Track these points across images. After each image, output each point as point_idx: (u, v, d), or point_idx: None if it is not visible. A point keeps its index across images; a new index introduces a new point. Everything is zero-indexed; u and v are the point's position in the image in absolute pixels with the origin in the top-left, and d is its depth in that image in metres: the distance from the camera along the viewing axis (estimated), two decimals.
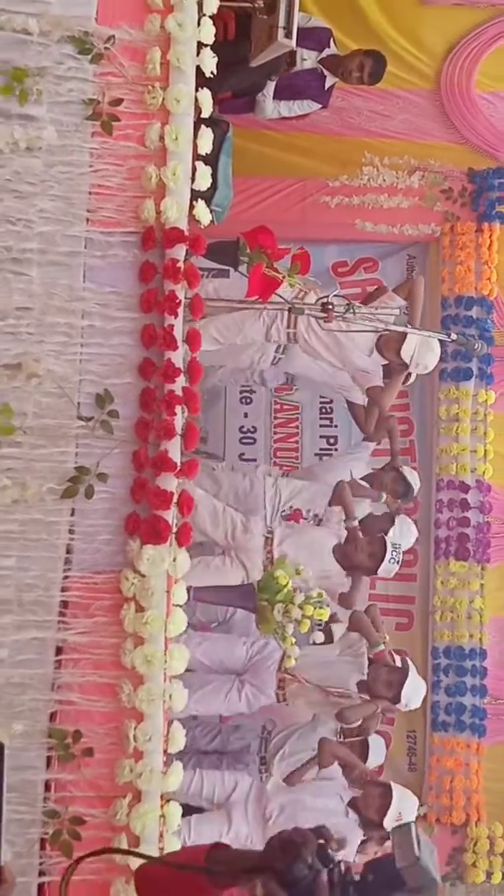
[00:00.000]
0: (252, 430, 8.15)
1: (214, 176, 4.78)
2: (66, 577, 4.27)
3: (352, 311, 5.24)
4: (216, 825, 5.75)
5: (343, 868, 2.41)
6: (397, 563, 6.43)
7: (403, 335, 6.32)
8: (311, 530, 6.46)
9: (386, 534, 6.43)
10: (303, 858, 2.35)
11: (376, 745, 6.64)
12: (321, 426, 8.15)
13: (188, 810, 5.33)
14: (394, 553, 6.33)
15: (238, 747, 6.48)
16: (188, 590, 4.43)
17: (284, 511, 6.63)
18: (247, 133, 7.28)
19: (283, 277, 5.00)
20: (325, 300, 5.21)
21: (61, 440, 4.25)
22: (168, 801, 4.19)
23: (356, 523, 6.40)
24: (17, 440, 4.19)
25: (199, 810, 5.85)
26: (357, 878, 2.42)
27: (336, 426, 8.15)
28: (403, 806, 6.10)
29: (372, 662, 6.37)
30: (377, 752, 6.69)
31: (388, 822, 5.97)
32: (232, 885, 2.45)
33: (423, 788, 7.68)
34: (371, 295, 6.86)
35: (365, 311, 5.48)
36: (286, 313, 6.34)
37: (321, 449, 8.24)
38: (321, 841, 2.41)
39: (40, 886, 4.11)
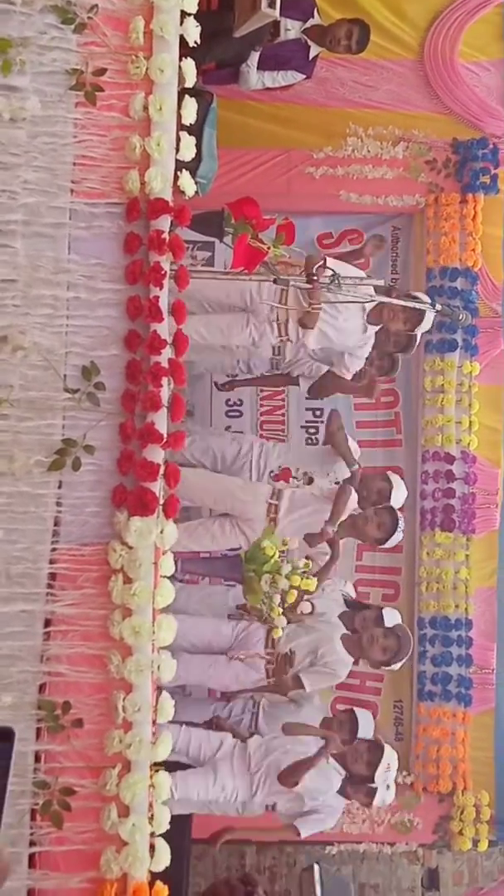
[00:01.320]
0: (238, 402, 8.14)
1: (199, 147, 4.75)
2: (53, 550, 4.26)
3: (336, 282, 5.24)
4: (202, 779, 5.80)
5: None
6: (402, 530, 6.50)
7: (385, 305, 6.37)
8: (315, 500, 6.48)
9: (386, 495, 6.48)
10: None
11: (364, 718, 6.68)
12: (307, 399, 8.11)
13: (172, 767, 5.36)
14: (401, 523, 6.41)
15: (236, 720, 6.50)
16: (176, 562, 4.43)
17: (273, 471, 6.66)
18: (231, 104, 7.27)
19: (268, 248, 4.99)
20: (309, 271, 5.21)
21: (48, 412, 4.23)
22: (157, 770, 4.21)
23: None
24: (3, 413, 4.18)
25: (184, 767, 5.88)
26: None
27: (322, 398, 8.13)
28: (392, 759, 6.16)
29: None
30: (365, 726, 6.74)
31: (379, 777, 6.05)
32: None
33: (409, 758, 7.76)
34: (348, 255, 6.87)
35: (349, 283, 5.46)
36: (275, 324, 6.36)
37: (307, 421, 8.23)
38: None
39: (31, 857, 4.13)
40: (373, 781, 6.04)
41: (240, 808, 5.95)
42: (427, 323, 6.69)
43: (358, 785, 6.12)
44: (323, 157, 7.95)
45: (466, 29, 7.82)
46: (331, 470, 6.75)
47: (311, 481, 6.70)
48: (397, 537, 6.57)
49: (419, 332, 6.75)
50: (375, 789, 6.09)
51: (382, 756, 6.08)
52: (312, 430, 8.20)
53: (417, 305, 6.17)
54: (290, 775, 5.90)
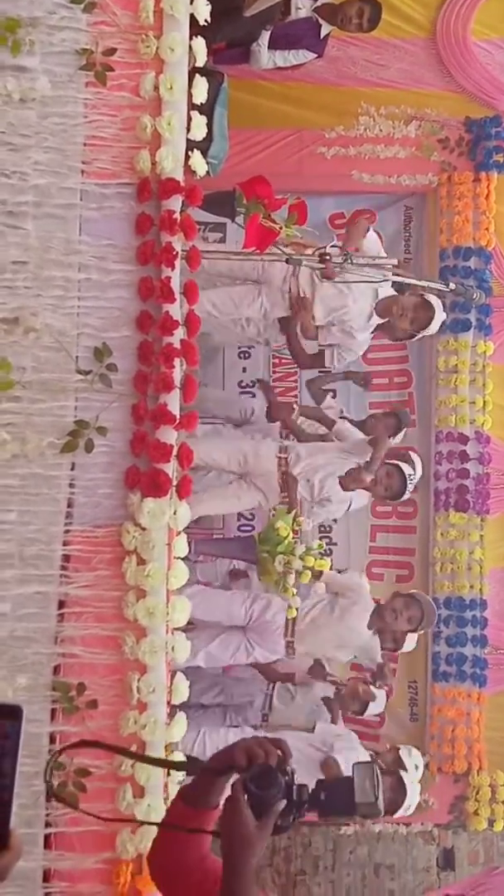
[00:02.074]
0: (251, 384, 8.12)
1: (210, 128, 4.74)
2: (67, 532, 4.26)
3: (349, 261, 5.23)
4: None
5: (298, 787, 2.46)
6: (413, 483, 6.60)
7: (398, 299, 6.40)
8: (324, 451, 6.49)
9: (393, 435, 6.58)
10: (278, 783, 2.39)
11: (377, 692, 6.70)
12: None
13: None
14: (411, 479, 6.44)
15: (242, 702, 6.52)
16: (189, 543, 4.43)
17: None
18: (242, 84, 7.22)
19: (281, 228, 4.98)
20: (322, 251, 5.19)
21: (60, 394, 4.23)
22: (172, 751, 4.22)
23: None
24: (16, 395, 4.18)
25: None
26: (309, 793, 2.47)
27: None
28: (413, 800, 6.19)
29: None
30: (377, 702, 6.75)
31: (399, 814, 6.11)
32: (211, 803, 2.47)
33: (425, 738, 7.75)
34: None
35: (362, 262, 5.44)
36: (287, 295, 6.35)
37: None
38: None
39: (46, 837, 4.14)
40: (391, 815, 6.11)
41: None
42: (434, 327, 6.70)
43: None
44: (335, 136, 7.91)
45: (479, 7, 7.74)
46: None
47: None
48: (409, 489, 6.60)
49: (424, 333, 6.75)
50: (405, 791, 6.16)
51: (405, 797, 6.10)
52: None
53: (432, 285, 6.15)
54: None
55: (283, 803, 2.39)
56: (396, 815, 6.23)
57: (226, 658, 6.20)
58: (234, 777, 2.40)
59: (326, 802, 2.46)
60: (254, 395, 7.93)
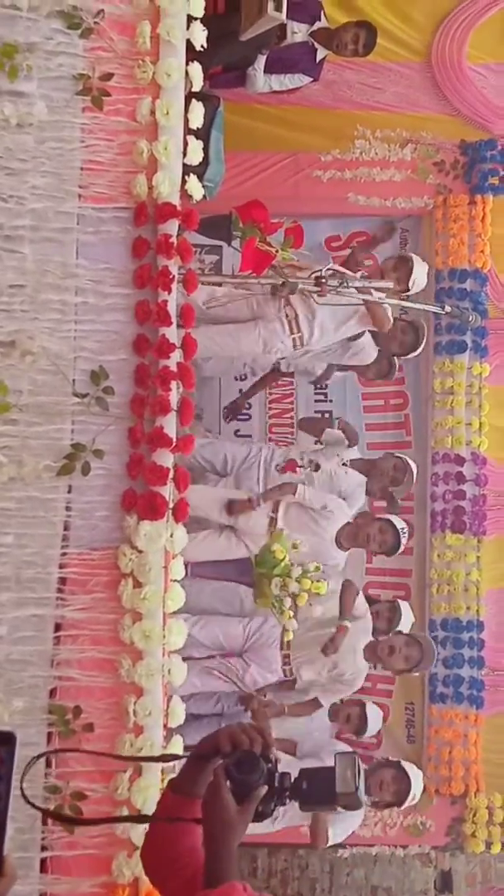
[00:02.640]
0: (247, 405, 8.12)
1: (206, 151, 4.75)
2: (63, 554, 4.26)
3: (345, 284, 5.25)
4: None
5: (280, 774, 2.47)
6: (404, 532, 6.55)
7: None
8: (313, 519, 6.47)
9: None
10: (260, 768, 2.40)
11: (373, 713, 6.69)
12: (316, 401, 8.14)
13: None
14: (403, 533, 6.41)
15: (237, 711, 6.49)
16: (186, 566, 4.43)
17: (279, 464, 6.67)
18: (238, 108, 7.26)
19: (277, 251, 5.00)
20: (318, 274, 5.21)
21: (57, 417, 4.24)
22: (168, 774, 4.21)
23: None
24: (12, 418, 4.18)
25: None
26: (291, 782, 2.48)
27: (331, 401, 8.14)
28: (418, 786, 6.21)
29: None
30: (374, 721, 6.74)
31: (406, 804, 6.12)
32: (198, 791, 2.48)
33: (422, 760, 7.72)
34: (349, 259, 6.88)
35: (358, 285, 5.46)
36: (285, 320, 6.34)
37: None
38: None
39: (43, 861, 4.12)
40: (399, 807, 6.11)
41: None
42: (418, 351, 6.83)
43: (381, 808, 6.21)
44: (331, 159, 7.95)
45: (473, 31, 7.80)
46: (336, 452, 6.79)
47: (317, 467, 6.72)
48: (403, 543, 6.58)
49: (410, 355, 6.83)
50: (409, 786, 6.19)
51: (410, 785, 6.11)
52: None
53: (428, 308, 6.17)
54: (316, 836, 5.99)
55: (265, 789, 2.40)
56: (404, 806, 6.22)
57: (219, 683, 6.19)
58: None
59: (307, 791, 2.47)
60: (249, 418, 7.97)
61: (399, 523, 6.47)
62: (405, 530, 6.50)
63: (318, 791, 2.48)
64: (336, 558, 6.52)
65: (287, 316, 6.30)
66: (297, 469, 6.71)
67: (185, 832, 2.48)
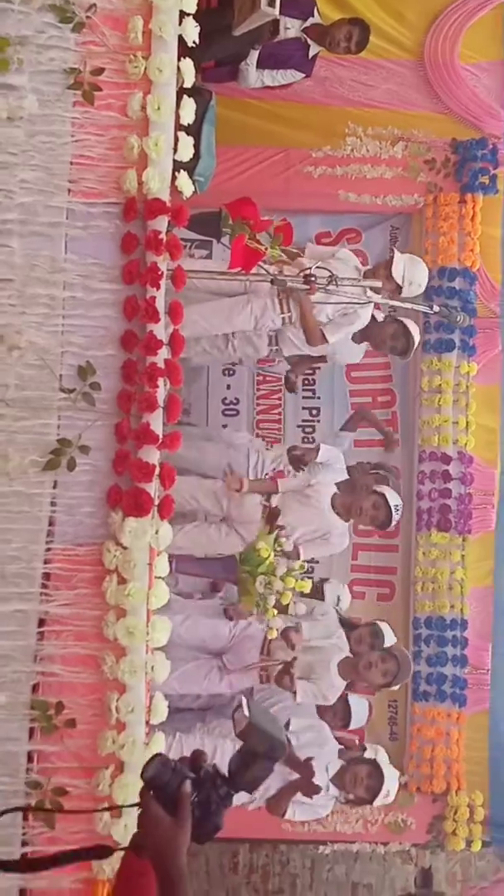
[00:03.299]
0: (235, 401, 8.14)
1: (197, 145, 4.76)
2: (48, 550, 4.25)
3: (334, 282, 5.24)
4: None
5: (212, 768, 2.48)
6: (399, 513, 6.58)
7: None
8: (308, 500, 6.48)
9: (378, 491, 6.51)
10: (165, 764, 2.42)
11: (358, 706, 6.69)
12: (304, 398, 8.14)
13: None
14: (397, 510, 6.42)
15: (220, 706, 6.49)
16: (171, 561, 4.43)
17: (267, 473, 6.68)
18: (230, 102, 7.23)
19: (266, 249, 4.99)
20: (307, 271, 5.21)
21: (43, 412, 4.23)
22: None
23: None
24: None
25: None
26: (215, 767, 2.51)
27: (319, 398, 8.15)
28: (391, 784, 6.21)
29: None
30: (359, 713, 6.75)
31: (378, 802, 6.12)
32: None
33: (404, 757, 7.74)
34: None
35: (348, 284, 5.46)
36: (276, 299, 6.34)
37: (304, 420, 8.24)
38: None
39: (23, 856, 4.12)
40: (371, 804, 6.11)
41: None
42: (410, 354, 6.85)
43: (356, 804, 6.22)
44: (322, 155, 7.92)
45: (466, 30, 7.80)
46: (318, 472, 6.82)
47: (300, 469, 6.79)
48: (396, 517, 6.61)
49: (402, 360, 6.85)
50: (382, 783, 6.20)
51: (383, 782, 6.12)
52: (309, 430, 8.20)
53: (417, 307, 6.17)
54: (276, 806, 5.96)
55: (188, 785, 2.40)
56: (376, 803, 6.24)
57: (198, 680, 6.17)
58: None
59: (234, 769, 2.48)
60: (237, 413, 7.97)
61: (394, 500, 6.48)
62: (399, 508, 6.51)
63: (239, 757, 2.50)
64: (339, 527, 6.59)
65: (279, 294, 6.29)
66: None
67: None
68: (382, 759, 6.45)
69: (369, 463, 7.58)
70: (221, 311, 6.37)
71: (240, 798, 2.62)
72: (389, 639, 6.62)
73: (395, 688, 6.57)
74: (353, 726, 6.97)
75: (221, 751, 5.87)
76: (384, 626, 6.66)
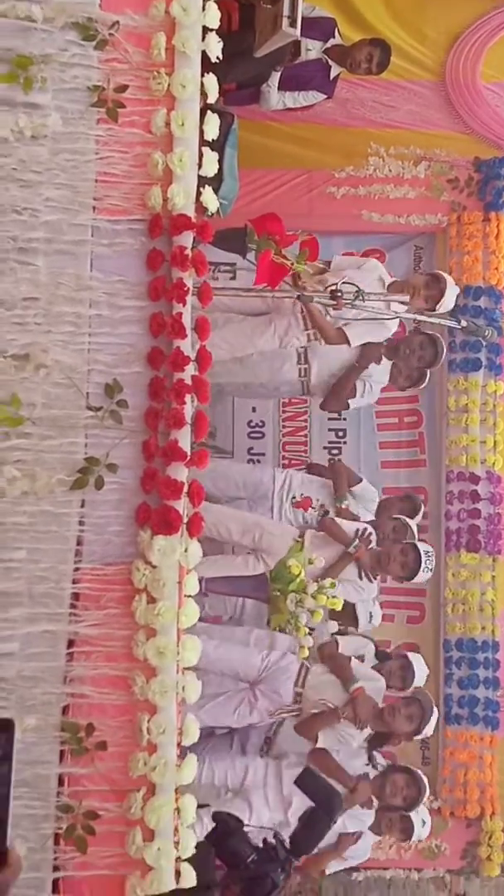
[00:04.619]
0: (261, 424, 8.13)
1: (220, 168, 4.72)
2: (76, 569, 4.21)
3: (361, 297, 5.21)
4: (237, 813, 5.69)
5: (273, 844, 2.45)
6: (430, 570, 6.45)
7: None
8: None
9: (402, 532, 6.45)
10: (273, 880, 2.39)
11: (418, 663, 6.60)
12: (329, 419, 8.10)
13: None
14: (427, 561, 6.34)
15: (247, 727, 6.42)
16: (200, 581, 4.38)
17: (294, 498, 6.62)
18: (252, 125, 7.25)
19: (292, 264, 4.97)
20: (333, 287, 5.18)
21: (70, 431, 4.20)
22: (183, 794, 4.15)
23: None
24: (26, 431, 4.14)
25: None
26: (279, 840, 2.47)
27: (345, 419, 8.10)
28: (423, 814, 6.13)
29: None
30: (420, 671, 6.61)
31: (415, 836, 6.05)
32: None
33: (436, 782, 7.64)
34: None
35: (374, 298, 5.43)
36: (300, 316, 6.32)
37: (330, 442, 8.21)
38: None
39: (55, 882, 4.06)
40: (408, 811, 6.01)
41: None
42: (439, 363, 6.79)
43: (395, 822, 6.10)
44: (344, 176, 7.95)
45: (487, 49, 7.79)
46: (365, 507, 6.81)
47: (326, 513, 6.68)
48: (424, 575, 6.51)
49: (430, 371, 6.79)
50: (412, 826, 6.07)
51: (421, 790, 6.03)
52: (335, 452, 8.16)
53: (444, 322, 6.14)
54: (315, 865, 5.91)
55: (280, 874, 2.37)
56: (414, 838, 6.17)
57: (228, 714, 6.08)
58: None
59: (301, 828, 2.45)
60: (262, 436, 7.94)
61: (424, 547, 6.46)
62: (430, 554, 6.45)
63: (313, 819, 2.47)
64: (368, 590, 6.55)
65: (302, 311, 6.28)
66: (309, 509, 6.69)
67: None
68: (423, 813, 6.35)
69: (398, 498, 7.50)
70: (244, 332, 6.37)
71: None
72: (422, 672, 6.56)
73: (427, 732, 6.42)
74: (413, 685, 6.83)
75: (254, 769, 5.81)
76: (416, 659, 6.57)
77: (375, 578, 6.52)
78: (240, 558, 6.36)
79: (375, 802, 6.09)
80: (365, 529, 6.43)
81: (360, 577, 6.39)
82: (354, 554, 6.29)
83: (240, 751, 6.14)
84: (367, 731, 6.05)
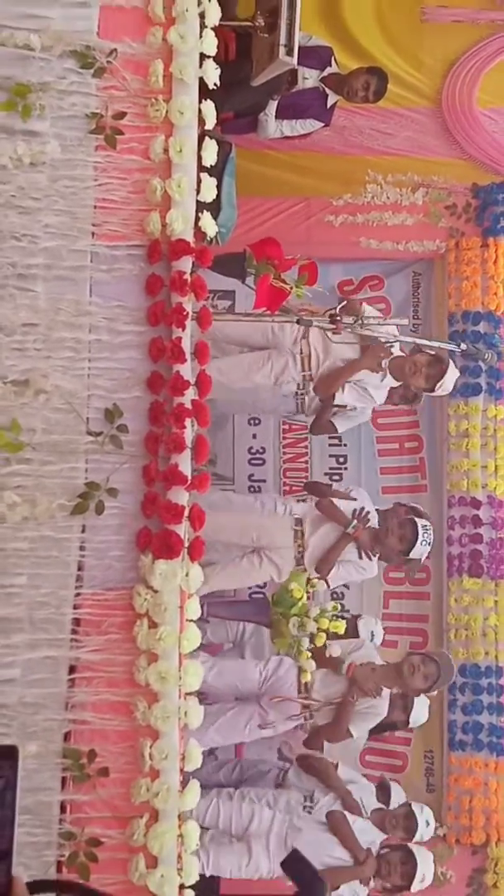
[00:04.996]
0: (261, 451, 8.12)
1: (218, 196, 4.75)
2: (77, 595, 4.21)
3: (360, 323, 5.22)
4: (235, 857, 5.66)
5: None
6: (429, 544, 6.47)
7: (410, 357, 6.41)
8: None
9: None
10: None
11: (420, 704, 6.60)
12: (330, 445, 8.09)
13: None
14: (425, 534, 6.33)
15: (255, 775, 6.39)
16: (202, 605, 4.37)
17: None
18: (249, 154, 7.29)
19: (291, 288, 4.98)
20: (332, 312, 5.19)
21: (70, 456, 4.20)
22: (185, 820, 4.12)
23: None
24: (26, 457, 4.15)
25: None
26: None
27: (345, 445, 8.09)
28: (426, 868, 6.06)
29: None
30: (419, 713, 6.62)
31: (415, 886, 5.96)
32: None
33: (441, 809, 7.59)
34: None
35: (373, 324, 5.44)
36: (298, 357, 6.34)
37: (330, 468, 8.19)
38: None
39: None
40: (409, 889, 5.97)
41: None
42: (449, 383, 6.68)
43: (399, 819, 6.12)
44: (342, 204, 7.97)
45: (483, 75, 7.85)
46: None
47: None
48: (422, 549, 6.51)
49: (440, 391, 6.74)
50: (416, 822, 6.11)
51: (417, 867, 5.97)
52: (336, 478, 8.13)
53: (444, 345, 6.15)
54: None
55: None
56: (414, 889, 6.08)
57: (239, 729, 6.06)
58: None
59: None
60: (263, 462, 7.92)
61: (422, 521, 6.47)
62: (427, 528, 6.46)
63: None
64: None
65: (301, 352, 6.31)
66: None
67: None
68: (426, 817, 6.31)
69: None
70: (240, 366, 6.38)
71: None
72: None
73: (434, 692, 6.44)
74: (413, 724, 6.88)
75: (259, 817, 5.76)
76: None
77: (375, 556, 6.49)
78: (244, 561, 6.34)
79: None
80: (362, 509, 6.43)
81: (360, 557, 6.38)
82: (353, 534, 6.30)
83: (244, 796, 6.07)
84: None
